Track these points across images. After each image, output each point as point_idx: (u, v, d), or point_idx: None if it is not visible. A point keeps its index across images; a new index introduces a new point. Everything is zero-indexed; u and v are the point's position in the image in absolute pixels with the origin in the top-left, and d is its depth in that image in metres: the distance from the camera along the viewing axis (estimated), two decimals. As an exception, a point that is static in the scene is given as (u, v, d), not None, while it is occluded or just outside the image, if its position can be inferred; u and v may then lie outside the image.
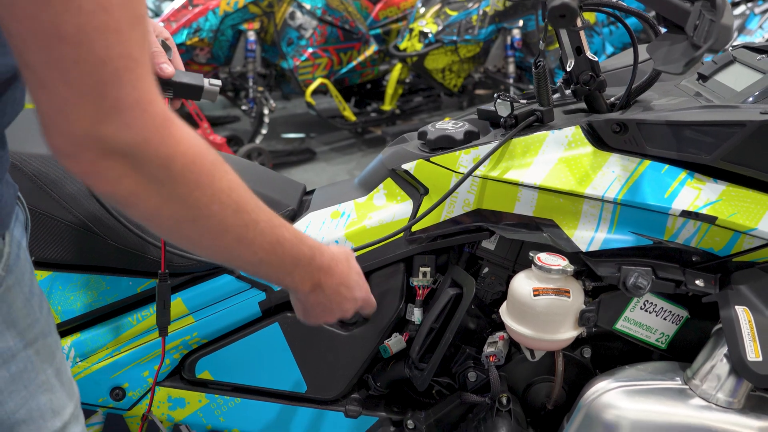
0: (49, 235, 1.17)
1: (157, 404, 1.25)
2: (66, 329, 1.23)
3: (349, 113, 4.35)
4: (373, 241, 1.17)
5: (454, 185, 1.11)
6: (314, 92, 4.17)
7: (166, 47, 1.02)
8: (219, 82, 1.03)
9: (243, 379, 1.25)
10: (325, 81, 4.19)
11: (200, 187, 0.63)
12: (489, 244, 1.18)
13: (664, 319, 1.09)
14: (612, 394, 1.00)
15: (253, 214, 0.70)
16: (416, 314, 1.22)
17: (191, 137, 0.62)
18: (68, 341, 1.22)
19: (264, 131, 4.18)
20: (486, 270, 1.19)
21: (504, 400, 1.10)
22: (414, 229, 1.18)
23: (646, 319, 1.09)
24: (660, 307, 1.09)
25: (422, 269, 1.20)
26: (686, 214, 1.00)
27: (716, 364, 1.00)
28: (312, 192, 1.41)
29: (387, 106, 4.53)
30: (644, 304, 1.09)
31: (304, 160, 4.33)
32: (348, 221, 1.21)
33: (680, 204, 1.00)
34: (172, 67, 1.00)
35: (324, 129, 4.84)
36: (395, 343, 1.21)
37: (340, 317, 0.94)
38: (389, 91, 4.52)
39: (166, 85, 0.99)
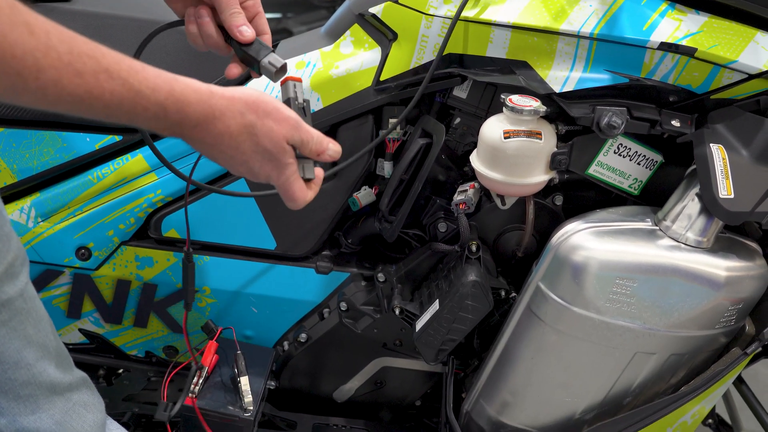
0: (-3, 90, 1.10)
1: (125, 264, 1.24)
2: (24, 188, 1.19)
3: (326, -10, 4.15)
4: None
5: (450, 27, 1.03)
6: (289, -32, 3.95)
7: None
8: (280, 63, 0.85)
9: (211, 237, 1.23)
10: (300, -45, 3.96)
11: None
12: (461, 93, 1.13)
13: (638, 163, 1.07)
14: (581, 235, 0.98)
15: (25, 62, 0.54)
16: (386, 168, 1.18)
17: None
18: (27, 201, 1.19)
19: (237, 10, 3.99)
20: (458, 120, 1.15)
21: (473, 248, 1.08)
22: (382, 78, 1.12)
23: (620, 163, 1.06)
24: (634, 151, 1.06)
25: (392, 120, 1.16)
26: (665, 47, 0.95)
27: (687, 204, 0.98)
28: (276, 45, 1.34)
29: (366, -17, 4.32)
30: (618, 148, 1.05)
31: (281, 41, 4.17)
32: (314, 71, 1.15)
33: (659, 36, 0.95)
34: (252, 30, 0.86)
35: (301, 8, 4.62)
36: (364, 195, 1.19)
37: (250, 177, 0.77)
38: (368, -34, 4.29)
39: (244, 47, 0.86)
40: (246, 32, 0.85)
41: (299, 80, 0.86)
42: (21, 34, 0.54)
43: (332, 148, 0.80)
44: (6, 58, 0.53)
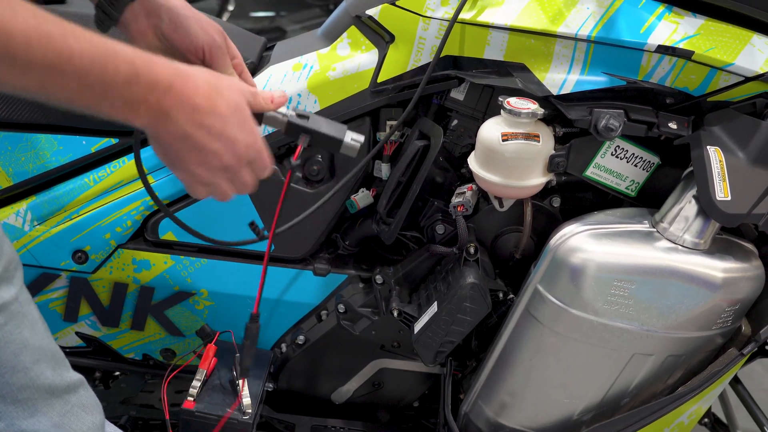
0: (-8, 93, 1.10)
1: (122, 267, 1.23)
2: (20, 192, 1.18)
3: (320, -12, 4.14)
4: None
5: (447, 29, 1.03)
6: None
7: None
8: (362, 138, 0.82)
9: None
10: (294, -47, 3.95)
11: None
12: (458, 94, 1.13)
13: (635, 165, 1.07)
14: (579, 238, 0.99)
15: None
16: (384, 170, 1.18)
17: None
18: (23, 204, 1.18)
19: (231, 8, 3.98)
20: (455, 122, 1.15)
21: (472, 250, 1.09)
22: (379, 80, 1.12)
23: (617, 165, 1.07)
24: (631, 153, 1.06)
25: (389, 123, 1.16)
26: (662, 50, 0.95)
27: (685, 206, 0.99)
28: (273, 47, 1.34)
29: (360, -19, 4.30)
30: (615, 150, 1.06)
31: (274, 40, 4.15)
32: (311, 73, 1.15)
33: (656, 39, 0.95)
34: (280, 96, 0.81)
35: (295, 6, 4.61)
36: (362, 198, 1.19)
37: (218, 166, 0.70)
38: (362, -36, 4.27)
39: (302, 130, 0.80)
40: (279, 100, 0.79)
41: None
42: None
43: (277, 93, 0.78)
44: None
